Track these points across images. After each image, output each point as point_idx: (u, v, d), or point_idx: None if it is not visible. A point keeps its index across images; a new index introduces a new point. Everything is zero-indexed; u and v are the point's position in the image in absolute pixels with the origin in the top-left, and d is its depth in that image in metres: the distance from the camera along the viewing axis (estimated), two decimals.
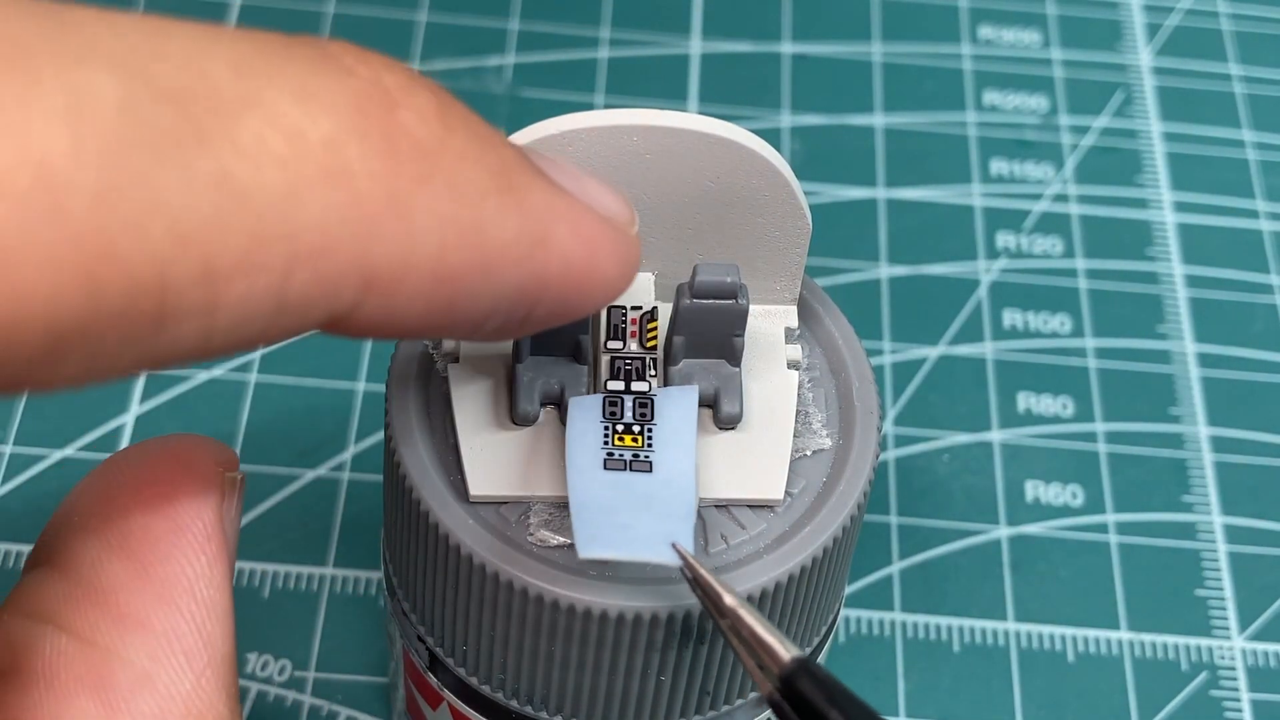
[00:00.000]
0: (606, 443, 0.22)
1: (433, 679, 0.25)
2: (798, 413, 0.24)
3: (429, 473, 0.23)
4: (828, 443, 0.24)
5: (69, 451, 0.34)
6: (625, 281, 0.19)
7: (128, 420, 0.35)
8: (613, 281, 0.19)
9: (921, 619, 0.34)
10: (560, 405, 0.23)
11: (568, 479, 0.22)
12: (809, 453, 0.24)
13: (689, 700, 0.23)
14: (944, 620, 0.34)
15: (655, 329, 0.23)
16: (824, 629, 0.25)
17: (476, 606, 0.23)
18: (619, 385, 0.23)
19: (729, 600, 0.20)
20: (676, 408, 0.23)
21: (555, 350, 0.23)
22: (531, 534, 0.22)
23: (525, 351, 0.23)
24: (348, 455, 0.35)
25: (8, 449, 0.34)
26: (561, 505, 0.23)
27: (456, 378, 0.23)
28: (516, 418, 0.23)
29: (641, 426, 0.23)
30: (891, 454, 0.36)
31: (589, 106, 0.41)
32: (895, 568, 0.34)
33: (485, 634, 0.23)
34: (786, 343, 0.25)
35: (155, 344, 0.15)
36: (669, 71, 0.42)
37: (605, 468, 0.22)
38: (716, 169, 0.23)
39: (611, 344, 0.23)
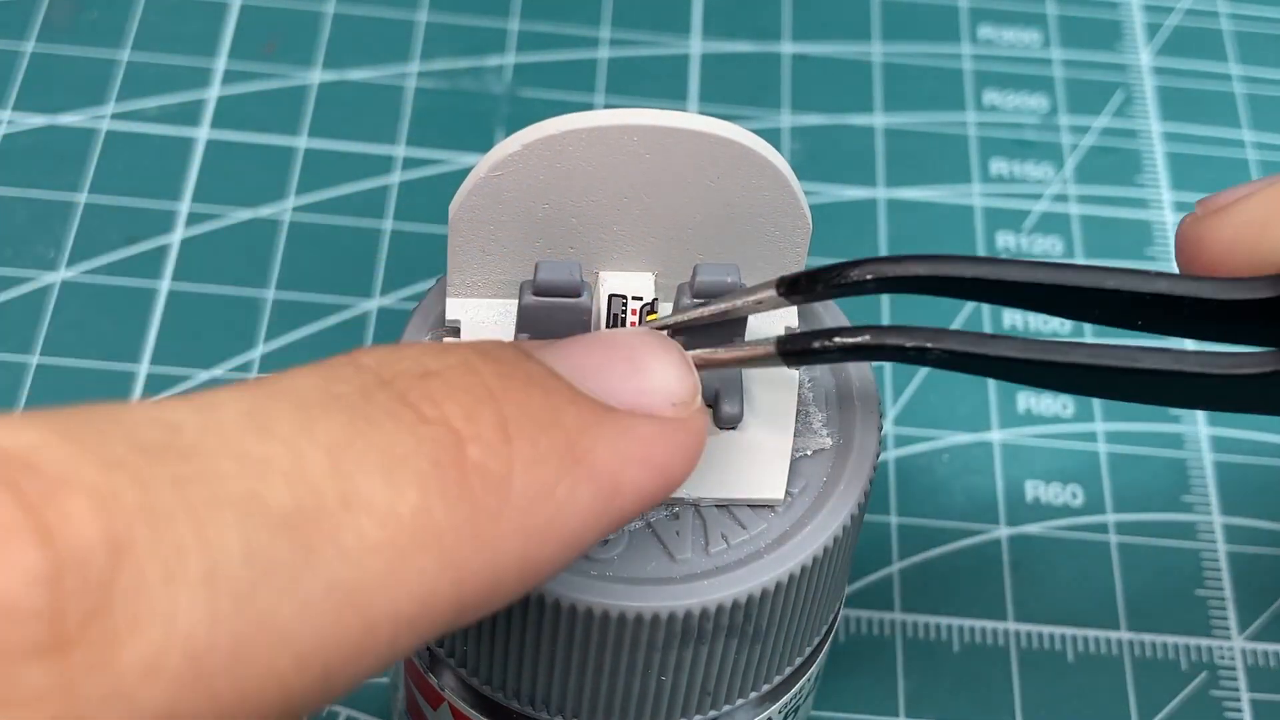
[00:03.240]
0: None
1: (433, 679, 0.25)
2: (798, 412, 0.24)
3: None
4: (828, 442, 0.24)
5: None
6: (692, 467, 0.20)
7: None
8: (681, 478, 0.20)
9: (921, 619, 0.34)
10: None
11: None
12: (809, 452, 0.24)
13: (689, 700, 0.23)
14: (944, 620, 0.34)
15: (655, 320, 0.23)
16: (824, 629, 0.25)
17: None
18: None
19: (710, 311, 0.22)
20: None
21: None
22: None
23: None
24: None
25: None
26: None
27: None
28: None
29: None
30: (891, 454, 0.36)
31: (589, 106, 0.41)
32: (895, 568, 0.34)
33: (485, 634, 0.23)
34: None
35: None
36: (669, 71, 0.42)
37: None
38: (716, 169, 0.23)
39: None
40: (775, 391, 0.24)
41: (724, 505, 0.23)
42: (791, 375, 0.24)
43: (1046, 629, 0.34)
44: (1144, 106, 0.43)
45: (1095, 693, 0.33)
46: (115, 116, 0.40)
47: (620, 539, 0.23)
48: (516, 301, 0.24)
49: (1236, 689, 0.33)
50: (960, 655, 0.33)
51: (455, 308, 0.24)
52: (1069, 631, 0.34)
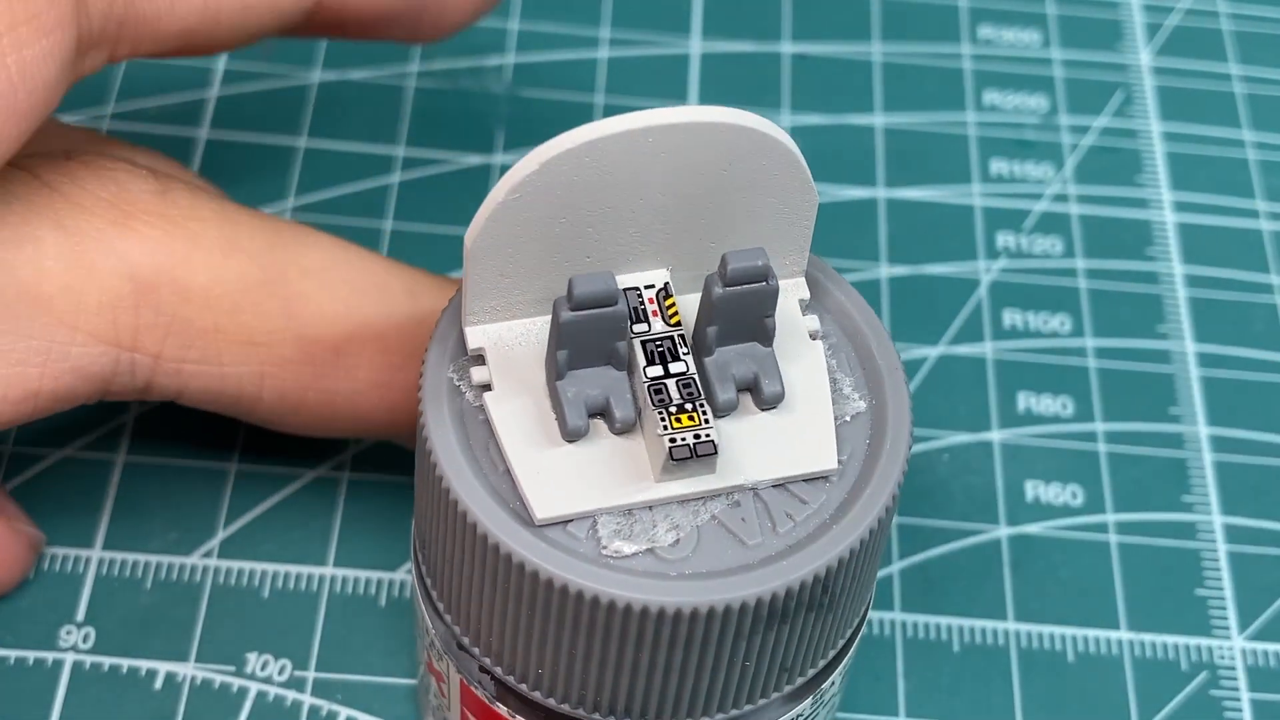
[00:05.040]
0: (666, 426, 0.22)
1: (502, 708, 0.25)
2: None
3: (491, 505, 0.23)
4: (862, 405, 0.24)
5: (69, 451, 0.34)
6: None
7: (127, 420, 0.35)
8: None
9: (921, 619, 0.34)
10: (606, 414, 0.23)
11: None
12: (848, 418, 0.24)
13: (769, 680, 0.24)
14: (944, 620, 0.34)
15: (674, 304, 0.24)
16: (869, 598, 0.26)
17: (560, 628, 0.23)
18: (658, 370, 0.23)
19: None
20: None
21: (592, 360, 0.23)
22: (605, 546, 0.22)
23: (564, 368, 0.23)
24: (348, 455, 0.35)
25: (8, 449, 0.34)
26: (627, 513, 0.23)
27: (495, 406, 0.23)
28: (567, 434, 0.23)
29: (694, 404, 0.23)
30: None
31: (589, 106, 0.41)
32: (895, 568, 0.34)
33: (565, 653, 0.23)
34: (803, 314, 0.25)
35: None
36: (669, 71, 0.42)
37: (673, 457, 0.22)
38: (730, 155, 0.23)
39: (636, 328, 0.23)
40: (804, 364, 0.24)
41: (780, 484, 0.23)
42: (816, 346, 0.25)
43: (1046, 629, 0.34)
44: (1144, 106, 0.43)
45: (1095, 693, 0.33)
46: (115, 116, 0.40)
47: (690, 537, 0.23)
48: (539, 319, 0.24)
49: (1236, 689, 0.33)
50: (960, 655, 0.33)
51: (476, 335, 0.24)
52: (1069, 631, 0.34)
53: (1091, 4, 0.45)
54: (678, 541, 0.23)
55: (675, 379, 0.23)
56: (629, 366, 0.23)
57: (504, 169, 0.40)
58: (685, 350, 0.23)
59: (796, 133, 0.42)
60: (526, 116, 0.41)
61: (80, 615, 0.32)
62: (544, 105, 0.41)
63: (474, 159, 0.40)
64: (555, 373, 0.23)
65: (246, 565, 0.33)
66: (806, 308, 0.25)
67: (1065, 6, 0.45)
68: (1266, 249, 0.40)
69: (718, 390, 0.23)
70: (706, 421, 0.23)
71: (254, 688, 0.32)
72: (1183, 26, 0.45)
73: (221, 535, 0.33)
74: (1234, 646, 0.34)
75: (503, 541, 0.22)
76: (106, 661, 0.32)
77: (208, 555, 0.33)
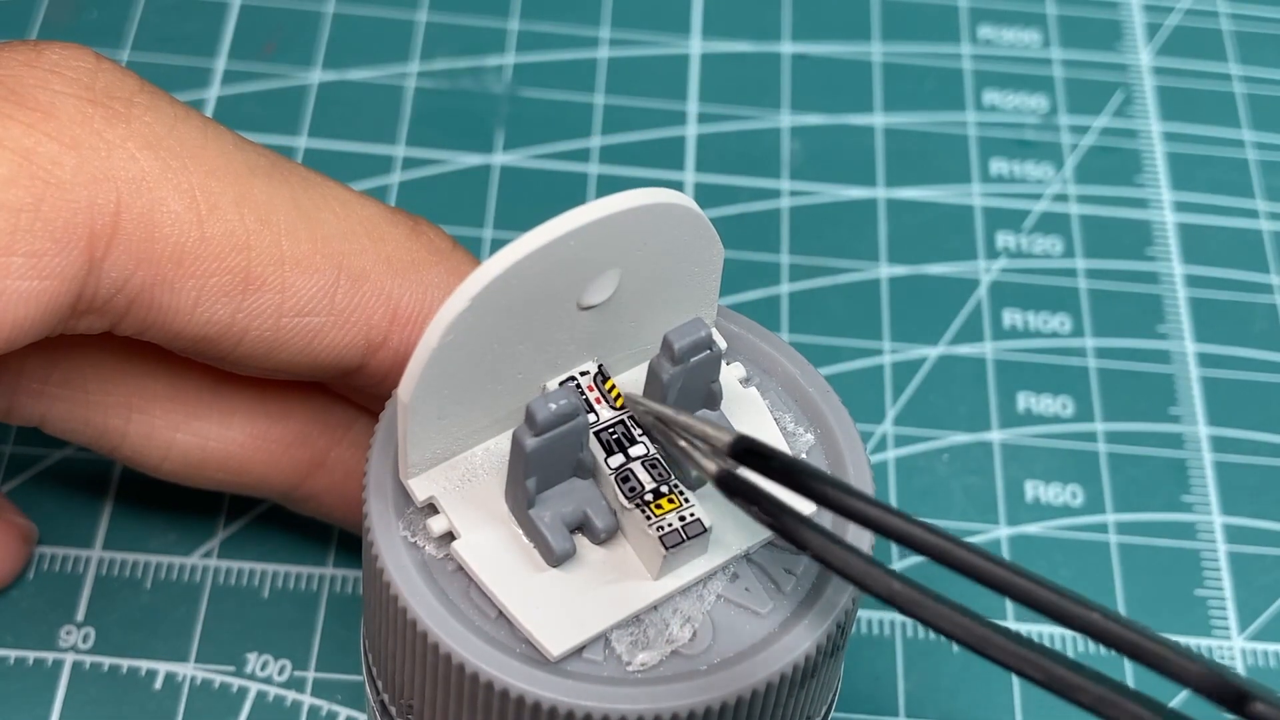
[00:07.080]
0: (649, 518, 0.22)
1: None
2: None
3: (501, 659, 0.22)
4: (810, 438, 0.24)
5: (69, 451, 0.34)
6: None
7: None
8: None
9: None
10: (586, 528, 0.23)
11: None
12: (804, 454, 0.24)
13: None
14: None
15: (613, 386, 0.23)
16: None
17: None
18: (620, 459, 0.22)
19: (672, 413, 0.22)
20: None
21: (559, 477, 0.23)
22: (629, 662, 0.22)
23: (533, 495, 0.22)
24: None
25: (8, 449, 0.34)
26: (636, 620, 0.22)
27: (468, 553, 0.22)
28: (554, 560, 0.22)
29: (669, 486, 0.22)
30: (891, 454, 0.36)
31: (589, 106, 0.41)
32: (895, 568, 0.34)
33: None
34: (727, 364, 0.25)
35: None
36: (669, 71, 0.42)
37: (666, 546, 0.22)
38: (643, 234, 0.22)
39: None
40: (747, 413, 0.24)
41: (770, 542, 0.23)
42: (752, 392, 0.24)
43: (1046, 629, 0.34)
44: (1144, 106, 0.43)
45: None
46: None
47: (705, 625, 0.22)
48: (478, 449, 0.23)
49: None
50: (960, 655, 0.33)
51: (422, 486, 0.23)
52: (1069, 631, 0.34)
53: (1091, 4, 0.45)
54: (694, 634, 0.22)
55: (639, 461, 0.22)
56: (594, 471, 0.23)
57: (504, 169, 0.40)
58: (640, 431, 0.23)
59: (796, 133, 0.42)
60: (526, 116, 0.41)
61: (80, 615, 0.32)
62: (544, 105, 0.41)
63: (474, 159, 0.40)
64: (525, 501, 0.22)
65: (246, 565, 0.33)
66: (726, 356, 0.24)
67: (1065, 6, 0.45)
68: (1266, 249, 0.40)
69: (684, 467, 0.23)
70: (687, 500, 0.22)
71: (254, 688, 0.32)
72: (1183, 26, 0.45)
73: (221, 535, 0.33)
74: (1234, 646, 0.34)
75: (527, 691, 0.21)
76: (106, 661, 0.32)
77: (208, 555, 0.33)
